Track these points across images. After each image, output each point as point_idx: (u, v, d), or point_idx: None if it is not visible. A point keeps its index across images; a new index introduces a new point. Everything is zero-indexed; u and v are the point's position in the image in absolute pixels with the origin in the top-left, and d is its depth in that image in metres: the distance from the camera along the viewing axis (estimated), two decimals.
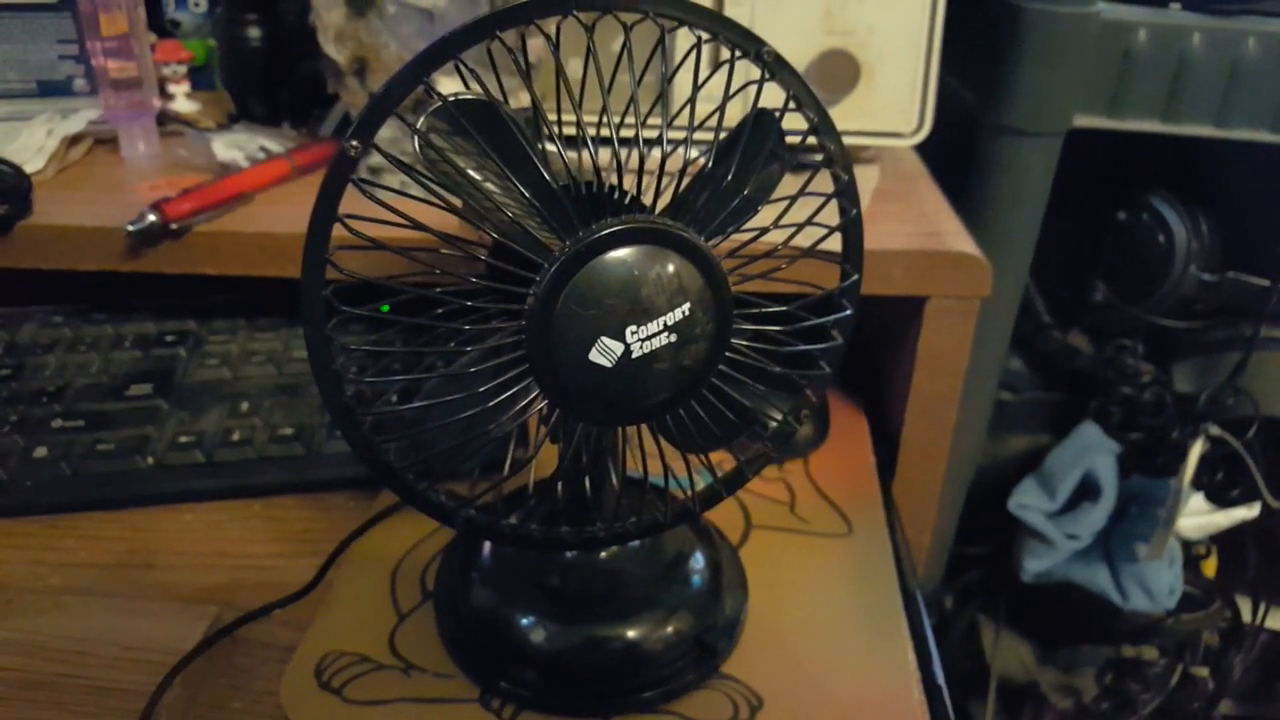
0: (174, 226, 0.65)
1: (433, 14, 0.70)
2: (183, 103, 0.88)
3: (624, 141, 0.39)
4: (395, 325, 0.41)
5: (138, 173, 0.78)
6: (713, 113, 0.40)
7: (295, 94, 0.83)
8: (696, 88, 0.39)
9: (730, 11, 0.71)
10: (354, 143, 0.36)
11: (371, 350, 0.44)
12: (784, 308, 0.44)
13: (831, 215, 0.45)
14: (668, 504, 0.48)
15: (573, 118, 0.38)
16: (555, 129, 0.40)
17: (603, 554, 0.51)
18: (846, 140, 0.74)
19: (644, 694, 0.50)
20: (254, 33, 0.83)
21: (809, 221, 0.44)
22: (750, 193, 0.41)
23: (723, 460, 0.49)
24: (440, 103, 0.37)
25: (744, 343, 0.44)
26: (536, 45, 0.64)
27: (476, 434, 0.40)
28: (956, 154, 0.89)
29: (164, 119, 0.85)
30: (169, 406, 0.69)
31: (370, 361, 0.60)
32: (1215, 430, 0.97)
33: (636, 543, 0.51)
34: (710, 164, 0.40)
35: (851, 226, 0.45)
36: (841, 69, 0.71)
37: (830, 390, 0.79)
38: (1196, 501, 1.01)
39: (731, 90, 0.40)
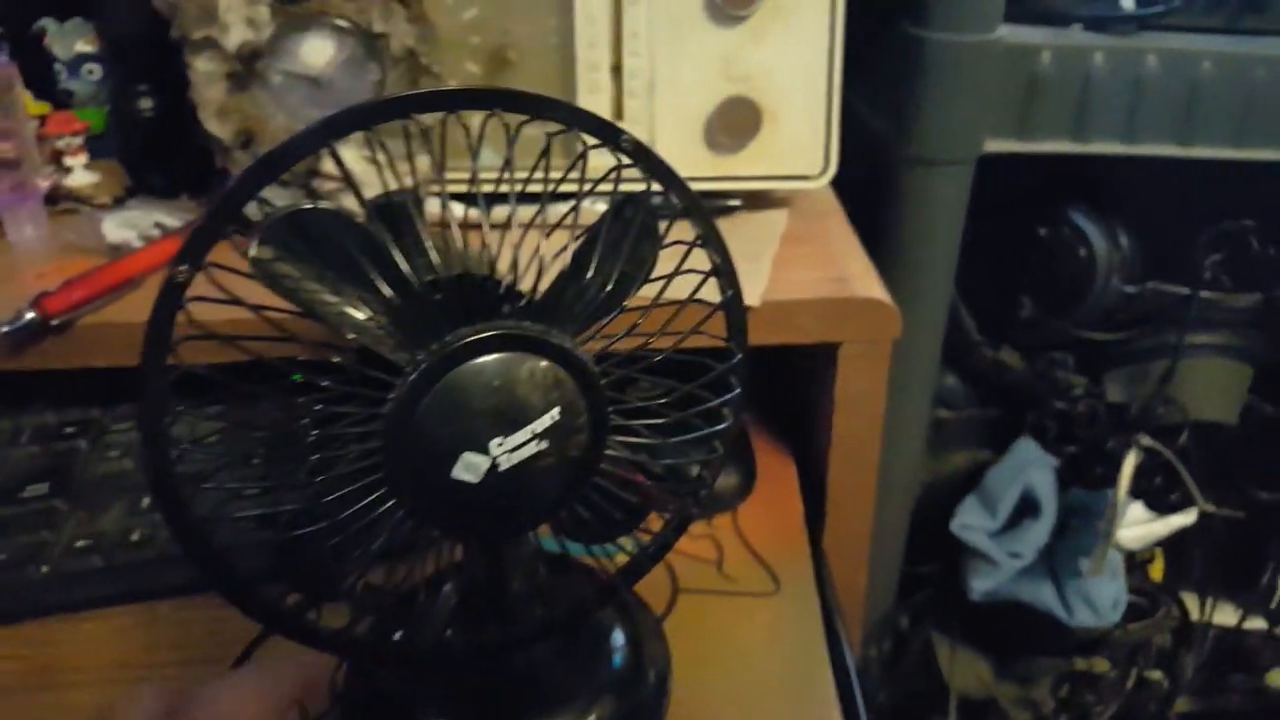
0: (55, 322, 0.63)
1: (320, 82, 0.68)
2: (80, 175, 0.85)
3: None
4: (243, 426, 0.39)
5: (27, 258, 0.75)
6: (570, 209, 0.38)
7: (192, 164, 0.81)
8: (548, 191, 0.38)
9: (629, 64, 0.70)
10: (182, 268, 0.34)
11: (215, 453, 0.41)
12: (667, 395, 0.43)
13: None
14: (586, 583, 0.47)
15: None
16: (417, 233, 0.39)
17: None
18: (753, 186, 0.74)
19: None
20: (145, 104, 0.81)
21: (689, 301, 0.42)
22: (616, 287, 0.39)
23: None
24: (272, 221, 0.35)
25: (635, 422, 0.42)
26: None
27: (347, 559, 0.39)
28: (874, 184, 0.88)
29: (57, 196, 0.82)
30: (67, 507, 0.66)
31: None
32: (1148, 441, 0.96)
33: None
34: (570, 265, 0.39)
35: (732, 305, 0.43)
36: (743, 116, 0.70)
37: (757, 436, 0.78)
38: (1136, 510, 1.01)
39: (592, 182, 0.39)
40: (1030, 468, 1.03)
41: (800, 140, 0.72)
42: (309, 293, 0.38)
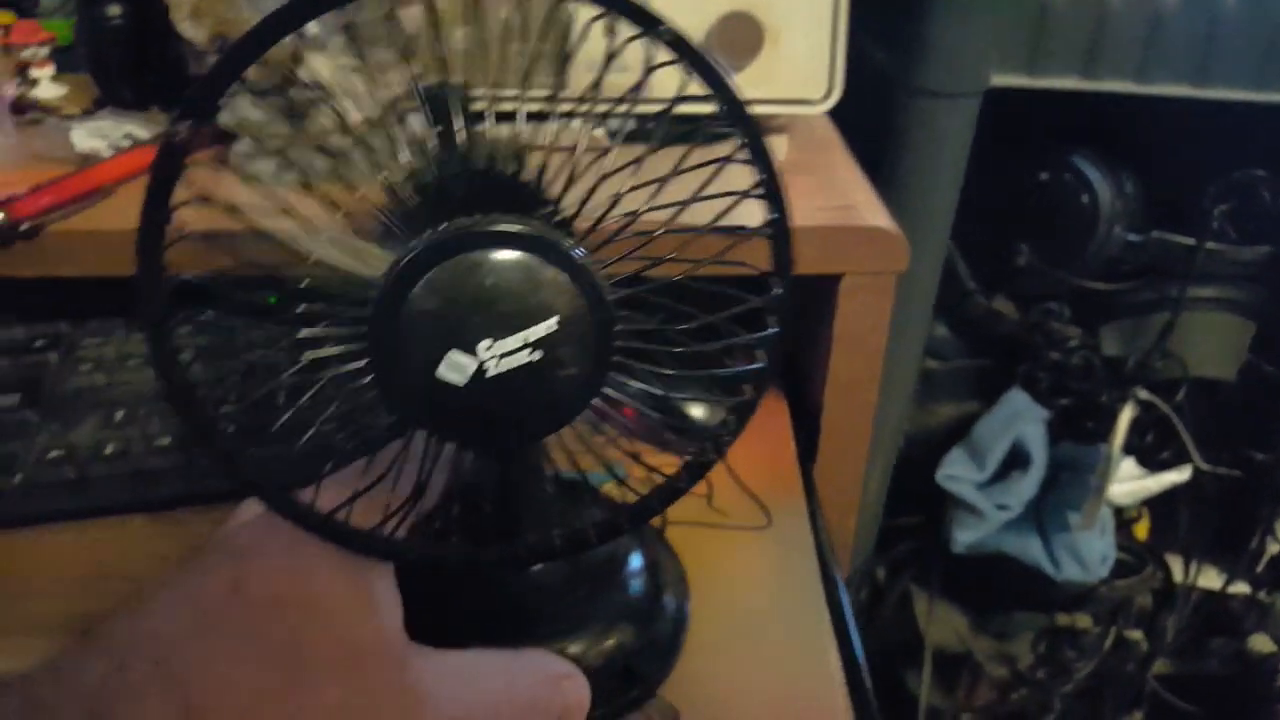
0: (24, 227, 0.60)
1: None
2: (47, 88, 0.81)
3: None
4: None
5: None
6: (609, 110, 0.35)
7: (163, 75, 0.77)
8: (598, 76, 0.35)
9: None
10: (182, 127, 0.31)
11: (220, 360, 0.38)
12: (694, 322, 0.39)
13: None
14: (602, 508, 0.44)
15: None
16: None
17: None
18: (752, 110, 0.71)
19: None
20: (114, 10, 0.77)
21: (736, 230, 0.39)
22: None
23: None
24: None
25: (646, 346, 0.39)
26: (412, 14, 0.59)
27: (341, 456, 0.36)
28: (874, 119, 0.85)
29: (24, 107, 0.79)
30: (38, 418, 0.63)
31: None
32: (1144, 394, 0.95)
33: None
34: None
35: (779, 236, 0.40)
36: (744, 33, 0.67)
37: None
38: (1128, 466, 1.00)
39: (638, 77, 0.36)
40: (1021, 419, 1.02)
41: (804, 62, 0.69)
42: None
